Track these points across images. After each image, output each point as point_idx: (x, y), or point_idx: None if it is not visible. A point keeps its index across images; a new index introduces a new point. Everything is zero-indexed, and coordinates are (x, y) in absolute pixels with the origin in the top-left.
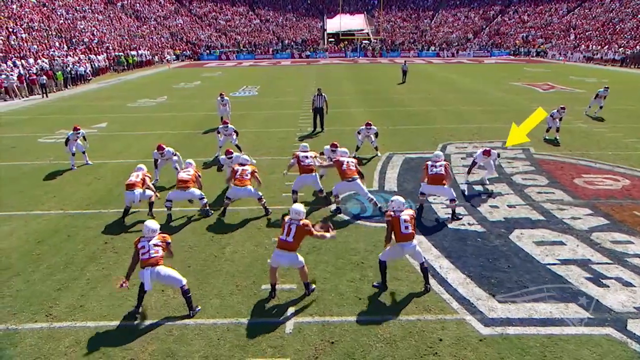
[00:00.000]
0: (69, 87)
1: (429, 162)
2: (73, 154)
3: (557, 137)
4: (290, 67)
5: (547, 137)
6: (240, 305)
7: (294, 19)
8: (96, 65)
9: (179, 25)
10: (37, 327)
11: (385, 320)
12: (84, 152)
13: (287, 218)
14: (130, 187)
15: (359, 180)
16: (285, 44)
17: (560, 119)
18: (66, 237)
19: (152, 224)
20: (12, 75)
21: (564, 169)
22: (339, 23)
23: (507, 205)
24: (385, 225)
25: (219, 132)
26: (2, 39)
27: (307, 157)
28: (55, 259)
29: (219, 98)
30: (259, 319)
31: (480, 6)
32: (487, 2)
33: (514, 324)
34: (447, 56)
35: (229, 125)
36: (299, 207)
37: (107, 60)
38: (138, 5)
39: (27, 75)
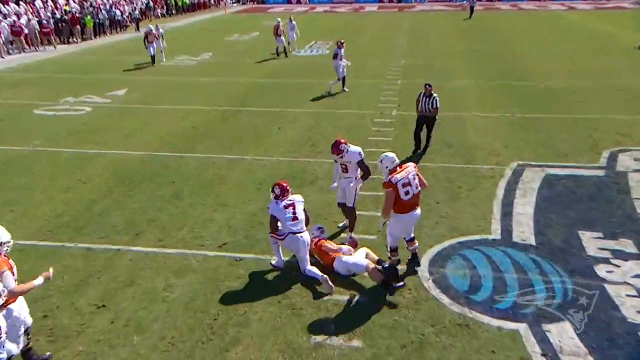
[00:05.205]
0: (98, 36)
1: (396, 182)
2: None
3: None
4: (376, 14)
5: None
6: None
7: None
8: (138, 9)
9: None
10: None
11: None
12: (161, 51)
13: None
14: None
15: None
16: None
17: None
18: None
19: None
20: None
21: None
22: None
23: None
24: None
25: None
26: None
27: None
28: None
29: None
30: None
31: None
32: None
33: None
34: None
35: None
36: None
37: (153, 2)
38: None
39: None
